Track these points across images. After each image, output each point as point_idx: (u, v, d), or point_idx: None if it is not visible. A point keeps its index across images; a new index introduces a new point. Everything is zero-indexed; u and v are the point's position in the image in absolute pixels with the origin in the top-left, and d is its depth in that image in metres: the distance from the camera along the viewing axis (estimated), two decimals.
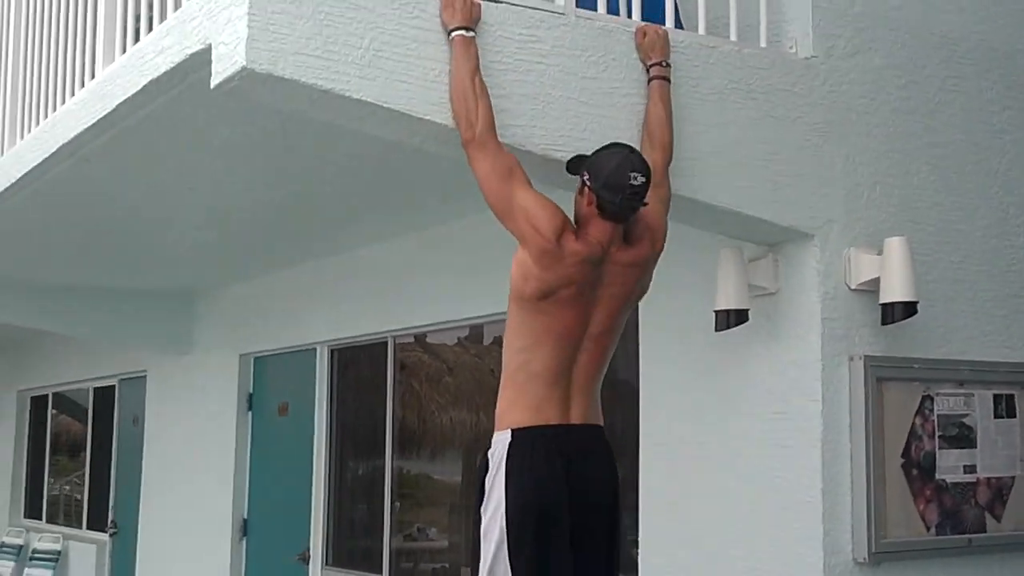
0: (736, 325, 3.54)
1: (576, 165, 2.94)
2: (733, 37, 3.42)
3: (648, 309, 4.04)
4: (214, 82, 2.71)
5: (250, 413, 7.21)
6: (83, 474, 10.06)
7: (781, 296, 3.56)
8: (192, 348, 7.85)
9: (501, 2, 2.98)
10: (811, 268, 3.48)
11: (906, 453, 3.53)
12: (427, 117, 2.83)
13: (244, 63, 2.60)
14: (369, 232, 5.74)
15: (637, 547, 4.02)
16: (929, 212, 3.74)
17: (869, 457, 3.43)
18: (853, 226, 3.55)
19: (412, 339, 6.01)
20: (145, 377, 8.52)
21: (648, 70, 3.15)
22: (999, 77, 3.99)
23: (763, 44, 3.49)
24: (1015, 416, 3.80)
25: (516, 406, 2.82)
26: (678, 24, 3.50)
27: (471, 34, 2.84)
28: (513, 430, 2.81)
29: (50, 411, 11.15)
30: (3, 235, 5.68)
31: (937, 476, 3.60)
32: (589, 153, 2.93)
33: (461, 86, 2.81)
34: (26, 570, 10.08)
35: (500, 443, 2.82)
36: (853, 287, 3.50)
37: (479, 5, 2.91)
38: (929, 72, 3.81)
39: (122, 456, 9.07)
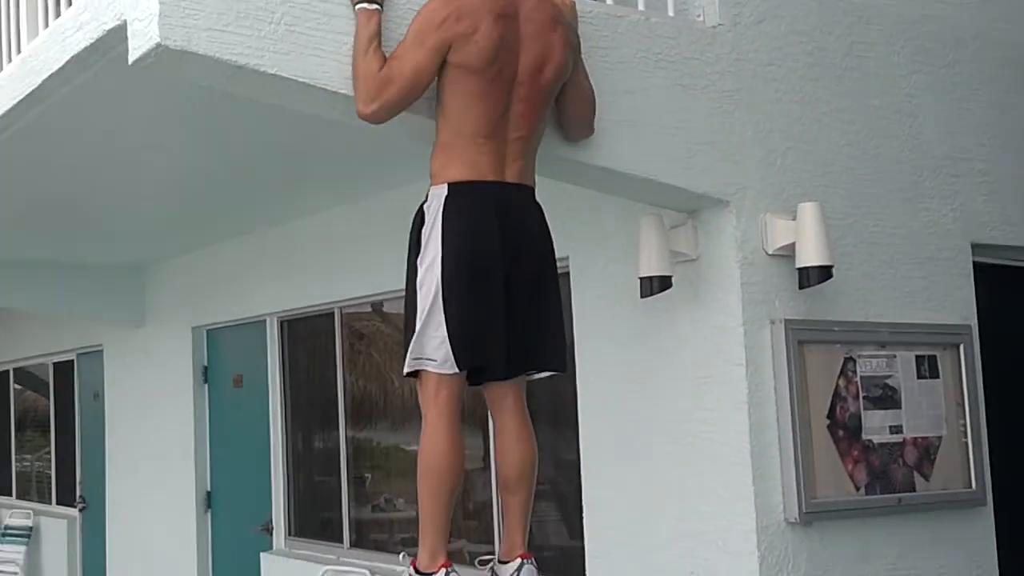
0: (660, 291, 3.56)
1: None
2: (641, 6, 3.40)
3: (579, 276, 4.08)
4: (132, 59, 2.71)
5: (206, 386, 7.20)
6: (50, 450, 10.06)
7: (702, 262, 3.57)
8: (146, 321, 7.82)
9: None
10: (729, 234, 3.49)
11: (831, 415, 3.55)
12: (342, 91, 2.82)
13: (158, 39, 2.59)
14: (313, 202, 5.69)
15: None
16: (842, 177, 3.74)
17: (795, 419, 3.45)
18: (768, 192, 3.55)
19: (369, 308, 5.96)
20: (102, 351, 8.49)
21: None
22: (906, 42, 3.98)
23: (671, 13, 3.47)
24: (938, 376, 3.81)
25: (452, 163, 2.84)
26: None
27: (374, 7, 2.82)
28: (450, 184, 2.83)
29: (12, 386, 11.06)
30: None
31: (863, 437, 3.61)
32: None
33: (354, 57, 2.81)
34: None
35: (436, 197, 2.84)
36: (770, 252, 3.52)
37: None
38: (835, 38, 3.79)
39: (86, 431, 9.05)
